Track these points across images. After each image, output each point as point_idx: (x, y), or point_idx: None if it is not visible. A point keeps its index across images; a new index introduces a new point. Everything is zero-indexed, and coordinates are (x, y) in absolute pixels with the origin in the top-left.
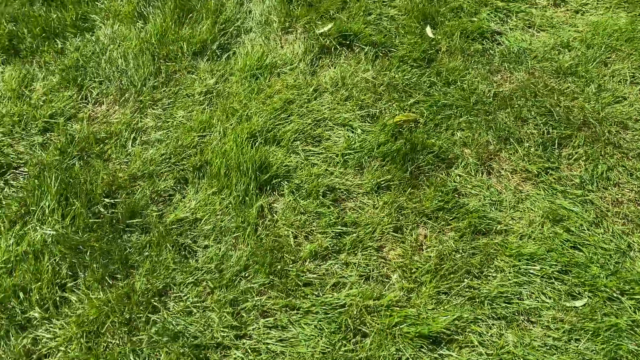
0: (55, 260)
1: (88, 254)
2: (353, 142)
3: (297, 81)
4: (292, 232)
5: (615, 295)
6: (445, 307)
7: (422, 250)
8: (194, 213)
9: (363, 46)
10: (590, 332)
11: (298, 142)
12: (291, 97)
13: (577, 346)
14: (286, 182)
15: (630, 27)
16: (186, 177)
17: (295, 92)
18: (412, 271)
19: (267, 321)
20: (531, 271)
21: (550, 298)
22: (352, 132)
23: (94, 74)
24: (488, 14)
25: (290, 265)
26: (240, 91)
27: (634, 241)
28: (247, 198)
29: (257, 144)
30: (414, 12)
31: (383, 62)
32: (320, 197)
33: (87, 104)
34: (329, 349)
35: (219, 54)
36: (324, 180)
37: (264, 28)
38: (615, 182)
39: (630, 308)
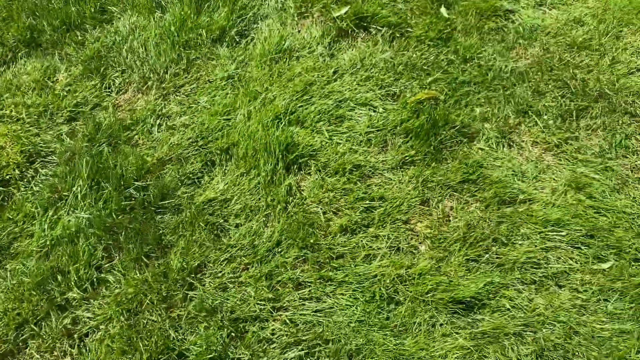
0: (90, 243)
1: (122, 235)
2: (375, 121)
3: (316, 64)
4: (321, 209)
5: None
6: (475, 274)
7: (450, 221)
8: (224, 194)
9: (380, 28)
10: (618, 292)
11: (321, 123)
12: (311, 79)
13: (606, 306)
14: (313, 161)
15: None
16: (213, 159)
17: (316, 75)
18: (441, 241)
19: (302, 293)
20: (557, 237)
21: (577, 262)
22: (374, 111)
23: (115, 64)
24: None
25: (322, 240)
26: (261, 75)
27: None
28: (275, 177)
29: (281, 125)
30: None
31: (400, 43)
32: (347, 175)
33: (111, 93)
34: (364, 318)
35: (237, 40)
36: (350, 158)
37: (280, 14)
38: (633, 150)
39: None
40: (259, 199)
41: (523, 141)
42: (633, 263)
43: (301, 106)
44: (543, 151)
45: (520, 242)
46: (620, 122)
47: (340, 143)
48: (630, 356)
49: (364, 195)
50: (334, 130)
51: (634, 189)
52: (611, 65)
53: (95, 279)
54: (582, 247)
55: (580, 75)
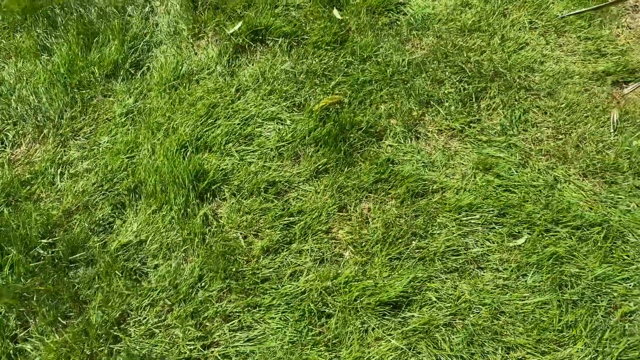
0: (0, 313)
1: (35, 299)
2: (285, 134)
3: (217, 84)
4: (241, 233)
5: (550, 226)
6: (399, 271)
7: (369, 223)
8: (138, 235)
9: (276, 39)
10: (534, 266)
11: (230, 144)
12: (214, 101)
13: (526, 281)
14: (226, 186)
15: None
16: (122, 201)
17: (218, 96)
18: (363, 245)
19: (231, 325)
20: (472, 221)
21: (494, 242)
22: (282, 124)
23: (6, 116)
24: None
25: (245, 266)
26: (162, 104)
27: (558, 174)
28: (188, 209)
29: (188, 154)
30: None
31: (299, 51)
32: (263, 194)
33: (5, 148)
34: (296, 338)
35: (133, 72)
36: (263, 176)
37: (174, 38)
38: (532, 122)
39: (566, 235)
40: (175, 234)
41: (429, 131)
42: (545, 234)
43: (207, 130)
44: (449, 138)
45: (438, 232)
46: (517, 97)
47: (252, 162)
48: (553, 326)
49: (282, 212)
50: (244, 150)
51: (538, 161)
52: (502, 44)
53: (11, 352)
54: (497, 227)
55: (474, 57)
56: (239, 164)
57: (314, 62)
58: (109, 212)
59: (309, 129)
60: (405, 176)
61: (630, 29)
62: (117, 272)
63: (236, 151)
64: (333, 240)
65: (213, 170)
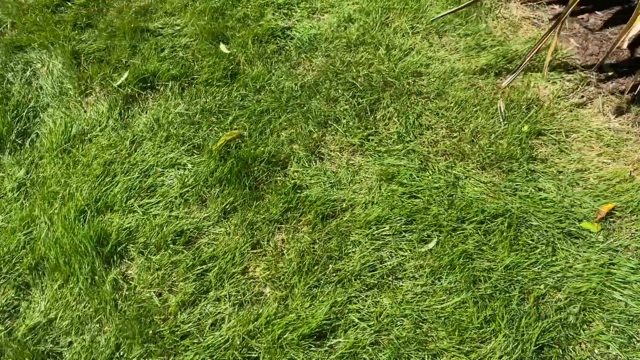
0: None
1: None
2: (187, 179)
3: (111, 140)
4: (155, 292)
5: (456, 225)
6: (320, 299)
7: (284, 254)
8: (47, 314)
9: (166, 83)
10: (447, 267)
11: (132, 200)
12: (110, 157)
13: (442, 284)
14: (132, 245)
15: None
16: (26, 281)
17: (113, 151)
18: (281, 279)
19: None
20: (383, 233)
21: (406, 251)
22: (183, 169)
23: None
24: (273, 14)
25: (163, 325)
26: (56, 171)
27: (458, 171)
28: (96, 277)
29: (88, 218)
30: (203, 34)
31: (191, 92)
32: (171, 246)
33: None
34: None
35: (20, 142)
36: (170, 227)
37: (60, 99)
38: (427, 125)
39: (472, 231)
40: (86, 306)
41: (331, 151)
42: (452, 234)
43: (106, 190)
44: (351, 154)
45: (352, 251)
46: (409, 103)
47: (157, 214)
48: (472, 324)
49: (194, 261)
50: (148, 203)
51: (437, 162)
52: (387, 54)
53: None
54: (407, 235)
55: (363, 71)
56: (143, 219)
57: (207, 100)
58: (13, 295)
59: (211, 169)
60: (313, 200)
61: (505, 18)
62: (27, 359)
63: (139, 206)
64: (251, 280)
65: (116, 231)
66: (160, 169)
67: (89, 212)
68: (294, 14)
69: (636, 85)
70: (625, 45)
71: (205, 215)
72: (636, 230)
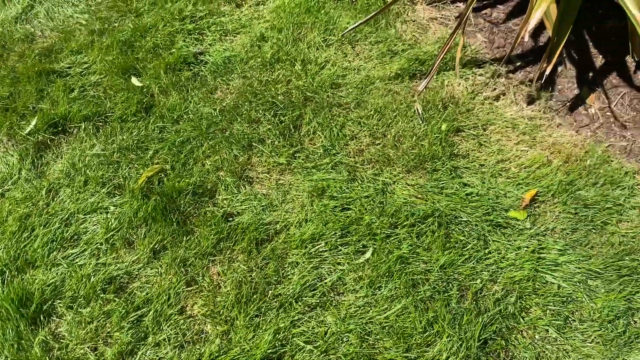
0: None
1: None
2: (111, 223)
3: (25, 192)
4: (89, 347)
5: (390, 231)
6: (263, 327)
7: (221, 287)
8: None
9: (78, 125)
10: (386, 275)
11: (55, 253)
12: (26, 211)
13: (383, 292)
14: (59, 301)
15: (304, 0)
16: None
17: (29, 204)
18: (220, 313)
19: None
20: (320, 250)
21: (344, 264)
22: (106, 213)
23: None
24: (184, 41)
25: None
26: None
27: (385, 177)
28: (23, 342)
29: (7, 280)
30: (113, 69)
31: (106, 130)
32: (102, 295)
33: None
34: None
35: None
36: (99, 276)
37: None
38: (351, 136)
39: (405, 235)
40: None
41: (259, 173)
42: (387, 240)
43: (25, 246)
44: (279, 174)
45: (291, 273)
46: (331, 116)
47: (83, 264)
48: (416, 329)
49: (128, 308)
50: (72, 254)
51: (364, 171)
52: (304, 69)
53: None
54: (343, 248)
55: (282, 89)
56: (68, 271)
57: (124, 137)
58: None
59: (134, 209)
60: (245, 227)
61: (413, 21)
62: None
63: (63, 258)
64: (190, 319)
65: (39, 288)
66: (82, 215)
67: (7, 273)
68: (205, 38)
69: (542, 74)
70: (526, 38)
71: (134, 258)
72: (559, 213)
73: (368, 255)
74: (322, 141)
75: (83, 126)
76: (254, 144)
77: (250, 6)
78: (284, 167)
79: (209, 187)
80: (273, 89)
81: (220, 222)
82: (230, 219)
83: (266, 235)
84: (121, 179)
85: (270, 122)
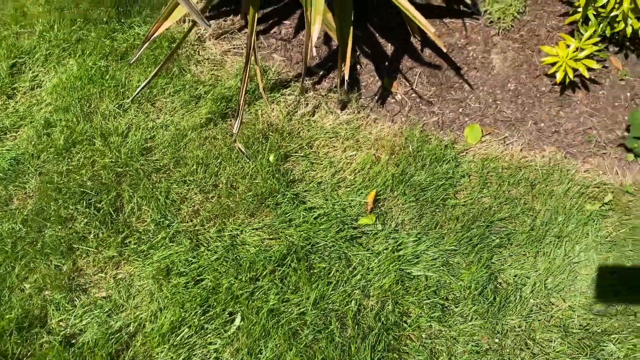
0: None
1: None
2: None
3: None
4: None
5: (251, 287)
6: None
7: None
8: None
9: None
10: (262, 335)
11: None
12: None
13: (265, 355)
14: None
15: (83, 70)
16: None
17: None
18: None
19: None
20: (185, 337)
21: (216, 341)
22: None
23: None
24: None
25: None
26: None
27: (230, 230)
28: None
29: None
30: None
31: None
32: None
33: None
34: None
35: None
36: None
37: None
38: (180, 199)
39: (269, 284)
40: None
41: (92, 275)
42: (252, 298)
43: None
44: (115, 268)
45: None
46: (152, 185)
47: None
48: None
49: None
50: None
51: (206, 232)
52: (106, 143)
53: None
54: (210, 324)
55: (88, 173)
56: None
57: None
58: None
59: None
60: (93, 345)
61: (207, 60)
62: None
63: None
64: None
65: None
66: None
67: None
68: None
69: (343, 79)
70: (315, 53)
71: None
72: (403, 204)
73: (238, 322)
74: (150, 216)
75: None
76: (74, 245)
77: (24, 93)
78: (117, 259)
79: (37, 314)
80: (78, 177)
81: (61, 352)
82: (73, 341)
83: (121, 344)
84: None
85: (86, 215)
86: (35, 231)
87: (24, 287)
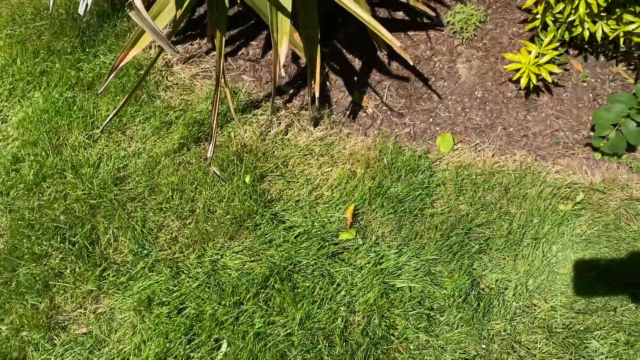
0: None
1: None
2: None
3: None
4: None
5: (236, 311)
6: None
7: None
8: None
9: None
10: (250, 357)
11: None
12: None
13: None
14: None
15: (50, 102)
16: None
17: None
18: None
19: None
20: None
21: None
22: None
23: None
24: None
25: None
26: None
27: (210, 255)
28: None
29: None
30: None
31: None
32: None
33: None
34: None
35: None
36: None
37: None
38: (157, 227)
39: (254, 307)
40: None
41: (70, 312)
42: (237, 323)
43: None
44: (95, 303)
45: None
46: (128, 214)
47: None
48: None
49: None
50: None
51: (186, 259)
52: (77, 175)
53: None
54: (196, 354)
55: (61, 207)
56: None
57: None
58: None
59: None
60: None
61: (176, 85)
62: None
63: None
64: None
65: None
66: None
67: None
68: None
69: (313, 96)
70: (283, 73)
71: None
72: (382, 217)
73: (224, 348)
74: (128, 246)
75: None
76: (50, 282)
77: None
78: (95, 293)
79: (15, 357)
80: (50, 212)
81: None
82: None
83: None
84: None
85: (61, 250)
86: (8, 271)
87: (0, 329)
